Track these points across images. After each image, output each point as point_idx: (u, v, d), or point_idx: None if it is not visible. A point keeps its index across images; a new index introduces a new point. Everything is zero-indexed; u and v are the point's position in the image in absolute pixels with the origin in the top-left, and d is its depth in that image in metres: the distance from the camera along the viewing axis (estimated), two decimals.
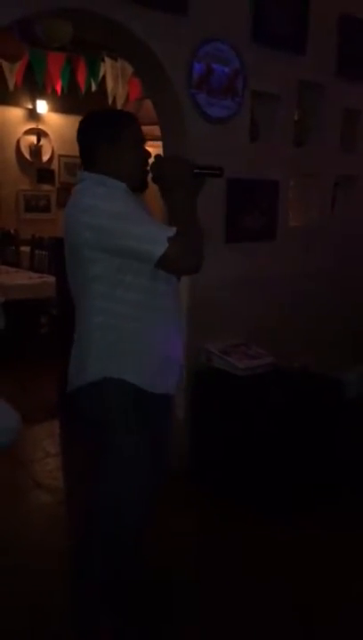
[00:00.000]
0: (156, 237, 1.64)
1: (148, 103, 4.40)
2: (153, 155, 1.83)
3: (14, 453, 3.19)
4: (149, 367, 1.79)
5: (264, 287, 3.18)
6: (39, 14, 2.70)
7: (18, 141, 7.35)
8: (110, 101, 5.98)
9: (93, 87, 5.96)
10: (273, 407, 2.71)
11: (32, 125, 7.40)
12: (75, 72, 5.81)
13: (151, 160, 1.82)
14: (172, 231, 1.65)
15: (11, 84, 5.69)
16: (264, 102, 3.15)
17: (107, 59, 5.79)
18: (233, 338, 3.05)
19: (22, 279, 5.24)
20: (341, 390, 2.95)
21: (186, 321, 2.92)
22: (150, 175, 1.80)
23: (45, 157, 7.52)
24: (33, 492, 2.99)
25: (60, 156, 7.54)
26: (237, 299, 3.07)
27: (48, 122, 7.46)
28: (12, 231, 6.81)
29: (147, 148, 1.85)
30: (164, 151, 2.86)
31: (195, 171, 1.76)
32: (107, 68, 5.85)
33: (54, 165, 7.61)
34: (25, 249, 6.36)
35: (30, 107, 7.32)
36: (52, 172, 7.61)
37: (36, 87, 6.28)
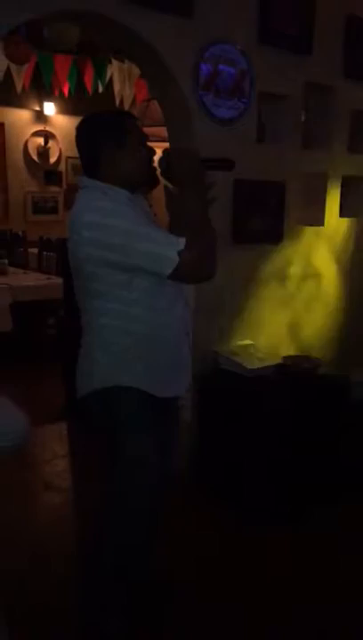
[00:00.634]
0: (165, 254, 1.59)
1: (154, 104, 4.41)
2: (161, 150, 1.80)
3: (24, 455, 3.20)
4: (159, 372, 1.78)
5: (271, 288, 3.18)
6: (46, 17, 2.71)
7: (25, 143, 7.38)
8: (118, 103, 6.00)
9: (100, 89, 5.98)
10: (281, 409, 2.71)
11: (40, 127, 7.44)
12: (82, 74, 5.83)
13: (159, 155, 1.77)
14: (181, 243, 1.60)
15: (18, 87, 5.73)
16: (271, 103, 3.14)
17: (114, 60, 5.82)
18: (241, 339, 3.04)
19: (30, 281, 5.26)
20: (349, 392, 2.94)
21: (193, 322, 2.92)
22: (159, 170, 1.75)
23: (53, 159, 7.55)
24: (43, 493, 3.00)
25: (67, 157, 7.56)
26: (244, 299, 3.06)
27: (55, 124, 7.49)
28: (20, 233, 6.84)
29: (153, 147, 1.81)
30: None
31: (204, 164, 1.71)
32: (114, 69, 5.87)
33: (62, 167, 7.63)
34: (33, 250, 6.39)
35: (38, 109, 7.36)
36: (59, 173, 7.64)
37: (43, 89, 6.32)
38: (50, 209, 7.56)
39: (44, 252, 6.15)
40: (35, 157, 7.44)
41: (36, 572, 2.31)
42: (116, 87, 5.96)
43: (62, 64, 5.65)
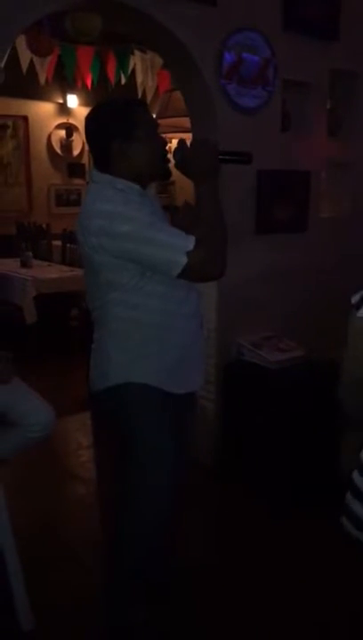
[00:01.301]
0: (172, 258, 1.56)
1: (177, 95, 4.38)
2: (176, 140, 1.72)
3: (49, 445, 3.23)
4: (173, 368, 1.74)
5: (295, 279, 3.14)
6: (69, 8, 2.70)
7: (49, 136, 7.41)
8: (140, 94, 5.98)
9: (123, 80, 5.96)
10: (306, 400, 2.68)
11: (63, 120, 7.45)
12: (104, 65, 5.81)
13: (173, 146, 1.72)
14: (191, 242, 1.57)
15: (42, 79, 5.73)
16: (296, 91, 3.10)
17: (136, 51, 5.79)
18: (264, 330, 3.02)
19: (54, 273, 5.29)
20: None
21: (216, 313, 2.91)
22: (172, 162, 1.68)
23: (76, 152, 7.56)
24: (68, 484, 3.03)
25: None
26: (267, 290, 3.04)
27: (78, 116, 7.48)
28: (43, 226, 6.88)
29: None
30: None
31: (220, 157, 1.64)
32: (136, 60, 5.84)
33: (85, 159, 7.64)
34: (57, 243, 6.42)
35: (61, 101, 7.38)
36: (82, 166, 7.65)
37: (66, 82, 6.32)
38: (73, 201, 7.58)
39: (68, 245, 6.18)
40: (58, 150, 7.47)
41: (61, 561, 2.33)
42: (139, 78, 5.93)
43: (85, 56, 5.64)
